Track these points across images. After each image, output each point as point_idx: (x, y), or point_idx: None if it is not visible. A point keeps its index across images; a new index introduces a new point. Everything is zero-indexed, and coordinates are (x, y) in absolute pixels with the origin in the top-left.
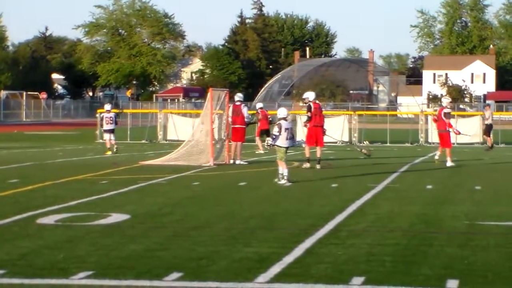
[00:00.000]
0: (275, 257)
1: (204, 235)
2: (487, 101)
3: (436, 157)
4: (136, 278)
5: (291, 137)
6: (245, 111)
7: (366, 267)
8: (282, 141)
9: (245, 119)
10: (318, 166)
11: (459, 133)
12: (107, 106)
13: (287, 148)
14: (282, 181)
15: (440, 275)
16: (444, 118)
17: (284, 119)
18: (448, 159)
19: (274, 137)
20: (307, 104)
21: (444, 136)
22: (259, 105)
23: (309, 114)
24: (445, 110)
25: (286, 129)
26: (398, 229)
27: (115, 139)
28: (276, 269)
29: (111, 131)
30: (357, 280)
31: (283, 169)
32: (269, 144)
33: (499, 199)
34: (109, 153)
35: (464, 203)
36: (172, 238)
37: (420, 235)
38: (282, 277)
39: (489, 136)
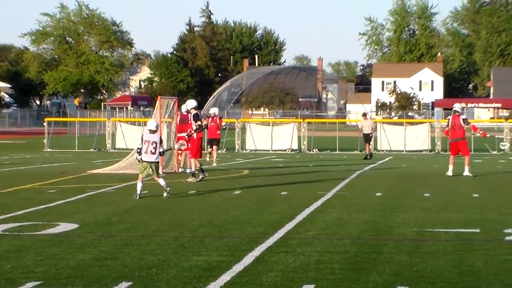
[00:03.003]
0: (225, 266)
1: (154, 244)
2: (436, 109)
3: (450, 173)
4: None
5: (156, 151)
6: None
7: (316, 274)
8: (143, 155)
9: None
10: (194, 179)
11: (486, 135)
12: None
13: (151, 162)
14: (136, 197)
15: (389, 282)
16: (464, 125)
17: (153, 131)
18: (468, 168)
19: (138, 150)
20: (193, 114)
21: (463, 144)
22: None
23: (199, 123)
24: (463, 116)
25: (147, 141)
26: (348, 237)
27: None
28: (226, 277)
29: None
30: None
31: (138, 183)
32: (137, 159)
33: (447, 206)
34: None
35: (413, 210)
36: (121, 247)
37: (369, 243)
38: (232, 286)
39: (369, 144)
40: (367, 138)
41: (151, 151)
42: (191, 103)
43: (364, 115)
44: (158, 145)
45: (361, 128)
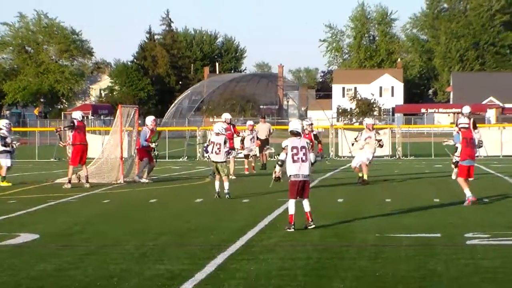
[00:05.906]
0: (187, 274)
1: (115, 253)
2: (397, 115)
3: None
4: None
5: (220, 151)
6: (142, 136)
7: (279, 281)
8: (211, 155)
9: (141, 144)
10: (86, 184)
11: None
12: None
13: (216, 162)
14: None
15: None
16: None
17: (217, 134)
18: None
19: (205, 149)
20: (70, 122)
21: None
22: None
23: (72, 131)
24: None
25: (212, 142)
26: (310, 243)
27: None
28: (188, 285)
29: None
30: None
31: (216, 182)
32: (206, 157)
33: (409, 211)
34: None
35: (374, 215)
36: (83, 257)
37: (331, 249)
38: None
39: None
40: (263, 144)
41: (215, 151)
42: (76, 114)
43: (262, 117)
44: (222, 146)
45: (257, 132)
